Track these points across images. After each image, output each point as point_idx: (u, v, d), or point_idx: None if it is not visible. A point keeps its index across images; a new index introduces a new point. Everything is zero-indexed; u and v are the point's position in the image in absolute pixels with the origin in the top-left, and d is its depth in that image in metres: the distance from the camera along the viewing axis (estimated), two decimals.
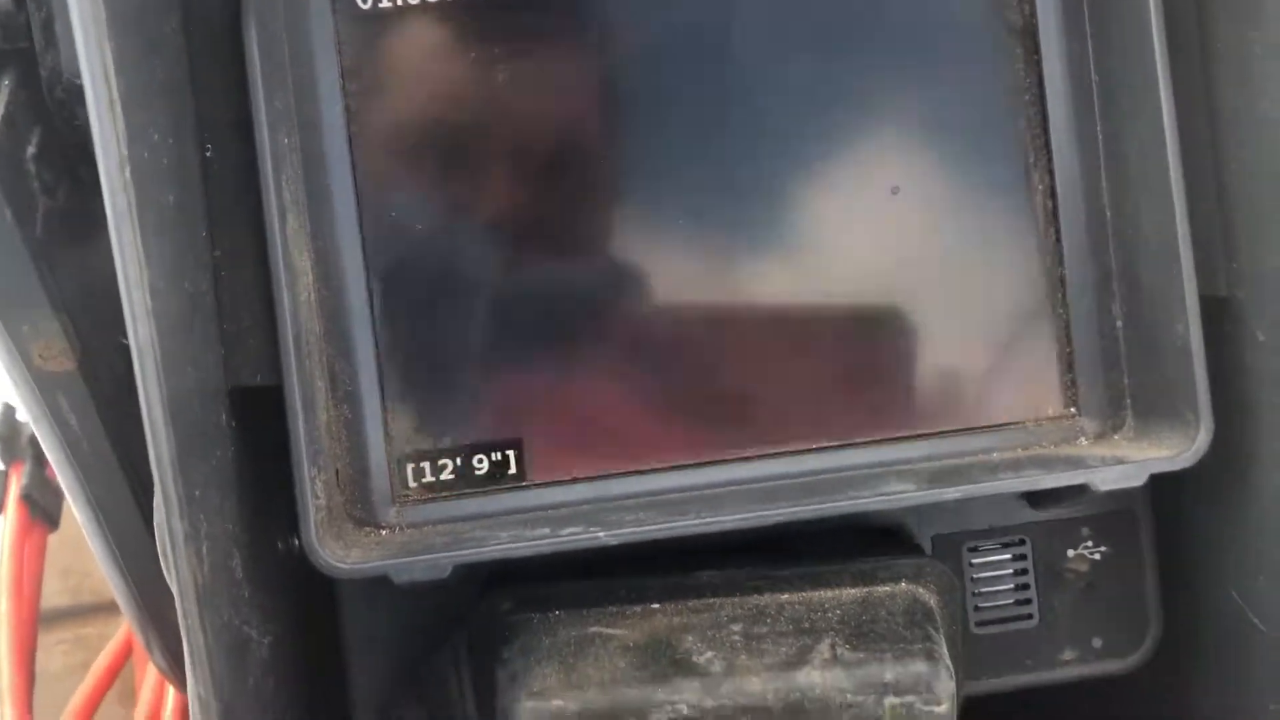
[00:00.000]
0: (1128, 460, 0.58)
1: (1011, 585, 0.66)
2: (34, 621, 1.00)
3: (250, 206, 0.57)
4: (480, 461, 0.62)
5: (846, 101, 0.63)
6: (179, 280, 0.51)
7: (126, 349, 0.68)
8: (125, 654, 0.98)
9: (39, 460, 1.04)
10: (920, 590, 0.58)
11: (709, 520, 0.56)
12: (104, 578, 0.77)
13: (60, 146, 0.62)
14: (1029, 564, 0.66)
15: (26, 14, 0.58)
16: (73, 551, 1.10)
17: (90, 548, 0.75)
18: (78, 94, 0.59)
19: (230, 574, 0.53)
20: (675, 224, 0.62)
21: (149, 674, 0.97)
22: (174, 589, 0.50)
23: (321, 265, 0.60)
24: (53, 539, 1.04)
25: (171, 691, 0.94)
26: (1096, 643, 0.67)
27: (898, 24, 0.63)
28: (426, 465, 0.62)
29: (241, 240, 0.57)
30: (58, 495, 1.04)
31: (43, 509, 1.03)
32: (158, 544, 0.55)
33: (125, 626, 0.97)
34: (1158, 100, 0.58)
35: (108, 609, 1.07)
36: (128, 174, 0.46)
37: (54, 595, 1.26)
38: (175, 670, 0.86)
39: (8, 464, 1.04)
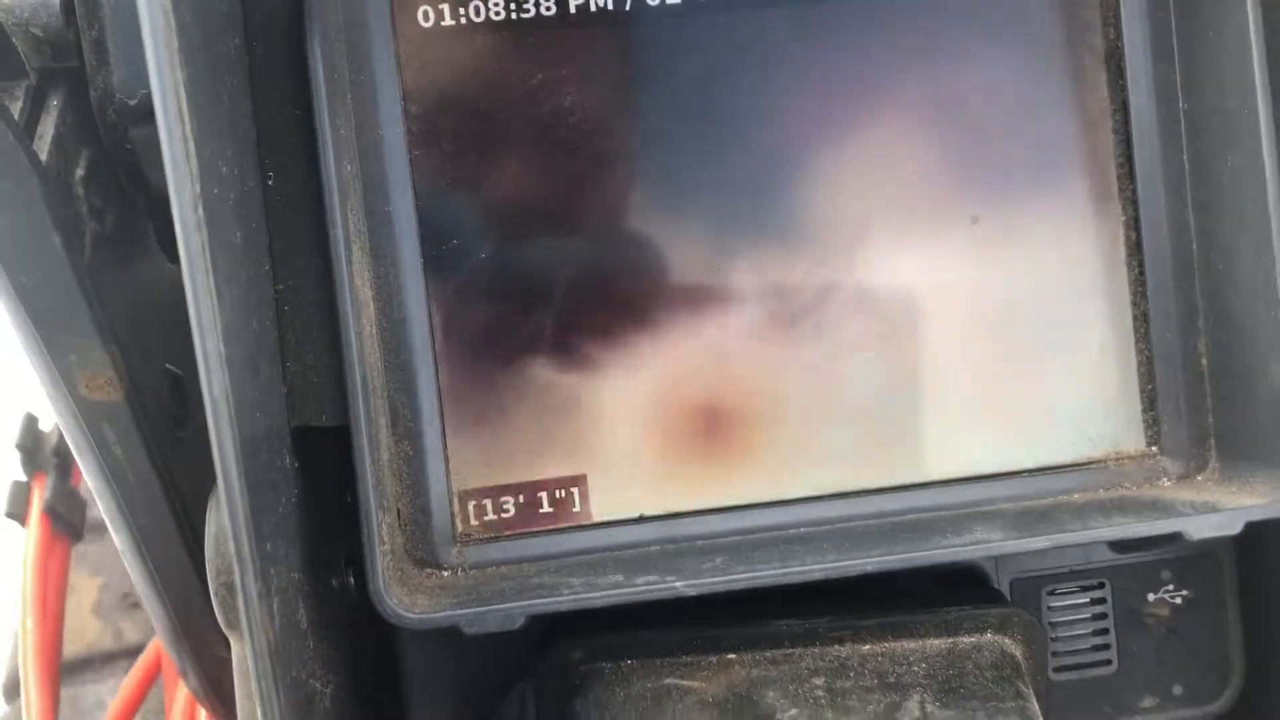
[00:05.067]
0: (1221, 507, 0.56)
1: (1090, 630, 0.65)
2: (59, 636, 0.98)
3: (311, 237, 0.55)
4: (544, 498, 0.60)
5: (925, 131, 0.60)
6: (247, 322, 0.49)
7: (172, 376, 0.66)
8: (154, 673, 0.96)
9: (62, 472, 1.02)
10: (1007, 641, 0.56)
11: (791, 570, 0.54)
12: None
13: (109, 169, 0.59)
14: (1108, 608, 0.64)
15: (77, 32, 0.56)
16: None
17: (129, 573, 0.73)
18: (130, 114, 0.57)
19: (297, 626, 0.51)
20: (752, 252, 0.60)
21: (179, 695, 0.95)
22: (245, 644, 0.47)
23: (383, 296, 0.57)
24: None
25: (203, 713, 0.91)
26: (1177, 690, 0.65)
27: (976, 49, 0.60)
28: (489, 502, 0.60)
29: (303, 273, 0.55)
30: (81, 507, 1.02)
31: (66, 521, 1.01)
32: (213, 596, 0.53)
33: (154, 645, 0.95)
34: (1256, 129, 0.56)
35: None
36: (201, 213, 0.43)
37: None
38: (209, 695, 0.84)
39: (30, 476, 1.02)
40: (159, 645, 0.90)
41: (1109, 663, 0.64)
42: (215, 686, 0.84)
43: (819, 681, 0.54)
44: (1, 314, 0.57)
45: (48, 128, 0.56)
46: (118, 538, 0.69)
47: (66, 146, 0.57)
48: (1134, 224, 0.61)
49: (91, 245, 0.58)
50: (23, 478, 1.02)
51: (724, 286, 0.60)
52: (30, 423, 1.01)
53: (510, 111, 0.59)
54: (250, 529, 0.44)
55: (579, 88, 0.59)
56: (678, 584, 0.53)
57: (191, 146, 0.43)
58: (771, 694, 0.53)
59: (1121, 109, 0.61)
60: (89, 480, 0.66)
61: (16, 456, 1.01)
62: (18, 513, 1.00)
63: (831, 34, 0.60)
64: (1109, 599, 0.64)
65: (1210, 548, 0.64)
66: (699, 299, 0.60)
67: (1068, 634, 0.64)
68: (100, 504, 0.67)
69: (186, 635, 0.77)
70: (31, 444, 1.01)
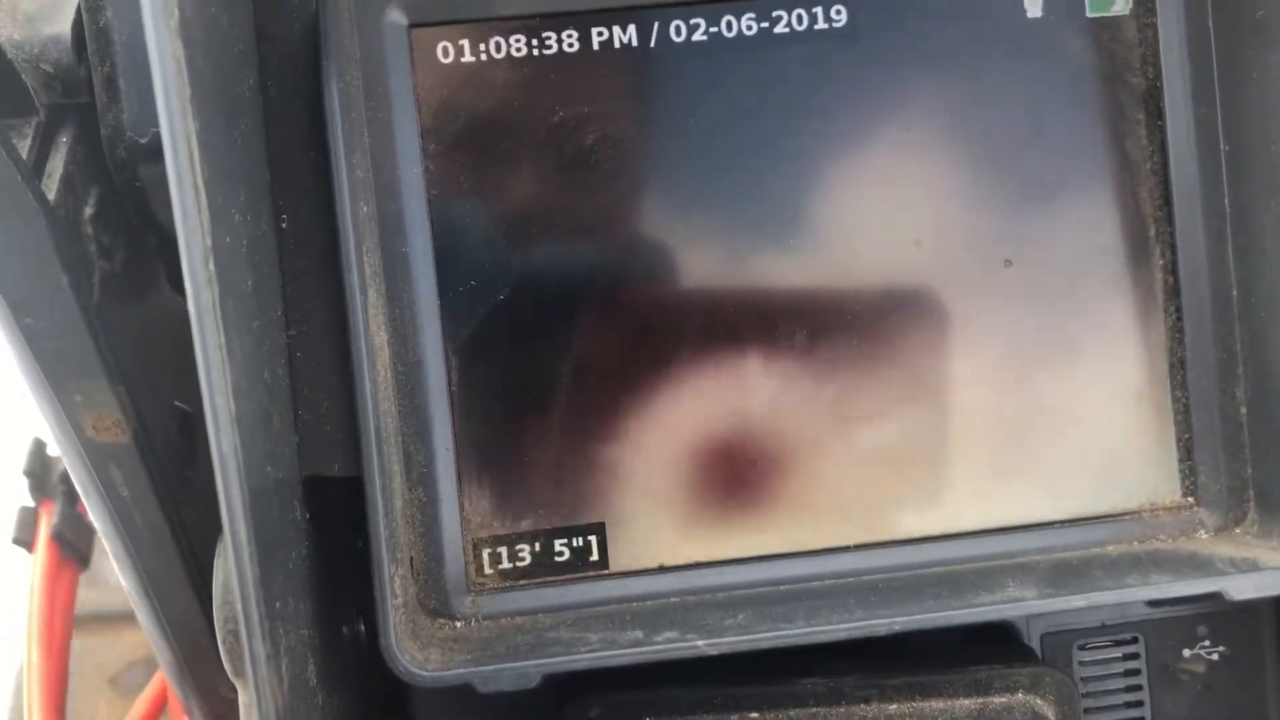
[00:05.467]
0: (1263, 565, 0.54)
1: (1123, 685, 0.63)
2: (65, 664, 0.97)
3: (326, 280, 0.53)
4: (561, 547, 0.58)
5: (958, 169, 0.58)
6: (259, 373, 0.47)
7: (180, 414, 0.65)
8: (160, 706, 0.94)
9: (70, 497, 1.00)
10: (1038, 702, 0.54)
11: (815, 630, 0.52)
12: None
13: (118, 206, 0.58)
14: (1142, 663, 0.62)
15: (87, 68, 0.54)
16: None
17: (135, 613, 0.72)
18: (141, 152, 0.55)
19: (306, 684, 0.49)
20: (777, 297, 0.58)
21: None
22: (255, 711, 0.46)
23: (398, 339, 0.56)
24: None
25: None
26: None
27: (1008, 87, 0.59)
28: (504, 550, 0.58)
29: (317, 318, 0.53)
30: (89, 534, 1.00)
31: (74, 548, 1.00)
32: (223, 651, 0.52)
33: (158, 679, 0.94)
34: None
35: None
36: (212, 267, 0.41)
37: None
38: None
39: (38, 502, 1.00)
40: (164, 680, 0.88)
41: None
42: None
43: None
44: (6, 351, 0.56)
45: (57, 165, 0.55)
46: (124, 578, 0.68)
47: (75, 184, 0.55)
48: (1171, 268, 0.59)
49: (100, 284, 0.57)
50: (30, 503, 1.01)
51: (747, 333, 0.58)
52: (38, 448, 0.99)
53: (531, 150, 0.57)
54: (259, 589, 0.43)
55: (601, 126, 0.57)
56: (699, 643, 0.52)
57: (203, 198, 0.41)
58: None
59: (1160, 150, 0.59)
60: (95, 522, 0.64)
61: (24, 482, 1.00)
62: (25, 539, 0.99)
63: (859, 72, 0.58)
64: (1143, 654, 0.62)
65: (1249, 603, 0.62)
66: (722, 346, 0.58)
67: (1099, 689, 0.62)
68: (107, 545, 0.66)
69: (193, 675, 0.76)
70: (39, 470, 0.99)
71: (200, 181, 0.41)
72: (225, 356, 0.42)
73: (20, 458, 1.01)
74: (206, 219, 0.41)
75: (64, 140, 0.55)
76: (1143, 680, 0.62)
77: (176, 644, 0.72)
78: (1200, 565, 0.55)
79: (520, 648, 0.53)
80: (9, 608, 1.01)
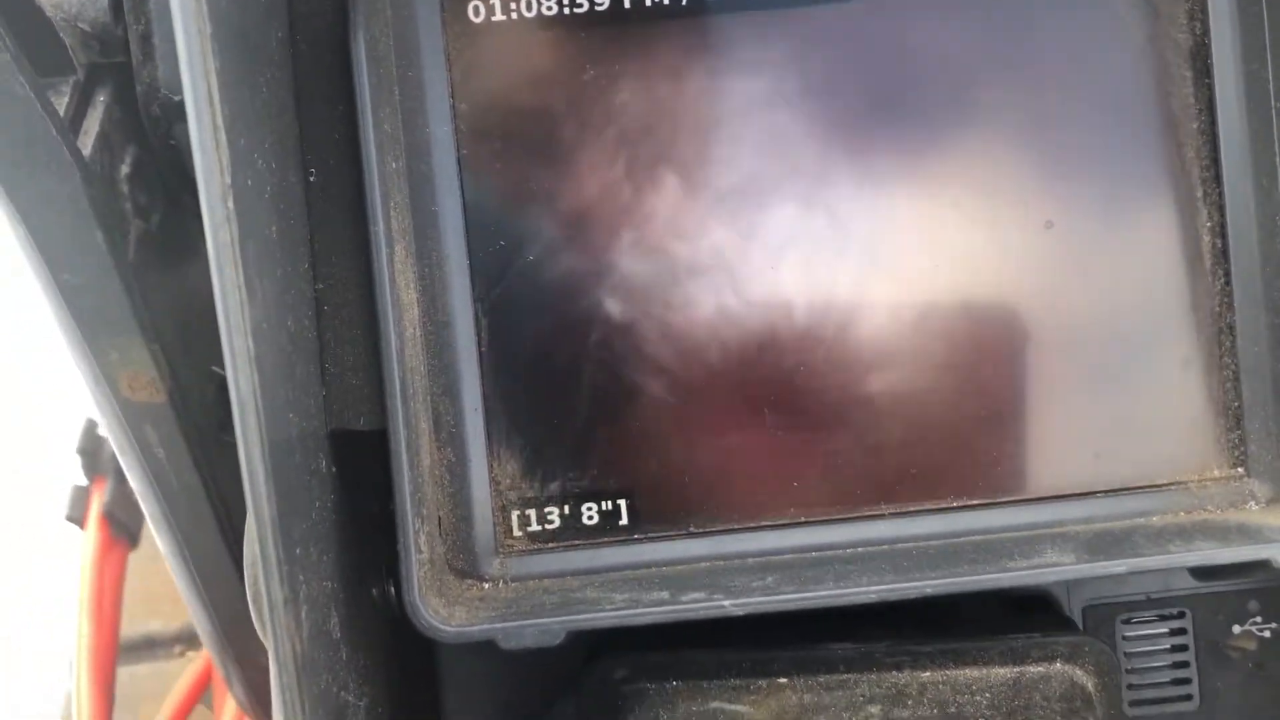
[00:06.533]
0: None
1: (1169, 662, 0.61)
2: (114, 641, 0.98)
3: (355, 236, 0.53)
4: (590, 510, 0.57)
5: (997, 129, 0.57)
6: (282, 319, 0.47)
7: (219, 378, 0.65)
8: (205, 682, 0.95)
9: (121, 477, 1.02)
10: (1078, 672, 0.52)
11: (845, 592, 0.51)
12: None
13: (155, 166, 0.58)
14: (1189, 639, 0.60)
15: (124, 27, 0.55)
16: None
17: (173, 577, 0.72)
18: (175, 110, 0.56)
19: (328, 636, 0.49)
20: (805, 255, 0.57)
21: (228, 704, 0.94)
22: (270, 653, 0.46)
23: (427, 298, 0.56)
24: None
25: None
26: None
27: (1053, 45, 0.57)
28: (532, 513, 0.57)
29: (345, 272, 0.53)
30: (139, 513, 1.02)
31: (124, 527, 1.01)
32: (250, 602, 0.52)
33: (205, 654, 0.94)
34: None
35: None
36: (230, 204, 0.42)
37: None
38: (254, 705, 0.83)
39: (90, 480, 1.02)
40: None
41: (1190, 698, 0.60)
42: (261, 697, 0.83)
43: (875, 710, 0.51)
44: (45, 308, 0.57)
45: (93, 123, 0.55)
46: (161, 541, 0.68)
47: (112, 143, 0.56)
48: (1220, 230, 0.57)
49: (136, 243, 0.57)
50: (83, 482, 1.02)
51: (780, 294, 0.57)
52: (91, 428, 1.01)
53: (562, 109, 0.57)
54: (277, 531, 0.43)
55: (633, 85, 0.57)
56: (725, 603, 0.51)
57: (223, 136, 0.41)
58: None
59: (1208, 108, 0.57)
60: (132, 481, 0.65)
61: (77, 461, 1.02)
62: (77, 516, 1.01)
63: (906, 24, 0.57)
64: (1190, 630, 0.60)
65: None
66: (753, 306, 0.57)
67: (1144, 665, 0.60)
68: (144, 505, 0.66)
69: (231, 643, 0.76)
70: (92, 449, 1.01)
71: (219, 120, 0.41)
72: (245, 297, 0.42)
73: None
74: (226, 157, 0.41)
75: (101, 99, 0.56)
76: (1190, 657, 0.60)
77: (214, 609, 0.73)
78: (1249, 534, 0.53)
79: (545, 606, 0.52)
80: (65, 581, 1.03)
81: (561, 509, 0.57)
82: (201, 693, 0.96)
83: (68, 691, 0.98)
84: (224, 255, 0.41)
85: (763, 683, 0.53)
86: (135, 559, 1.02)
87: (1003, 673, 0.52)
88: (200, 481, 0.64)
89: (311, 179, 0.53)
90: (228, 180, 0.41)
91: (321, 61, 0.54)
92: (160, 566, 0.71)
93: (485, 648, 0.52)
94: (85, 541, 0.99)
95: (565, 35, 0.57)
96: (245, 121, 0.45)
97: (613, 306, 0.57)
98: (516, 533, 0.57)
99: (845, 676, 0.52)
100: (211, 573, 0.70)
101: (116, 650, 0.97)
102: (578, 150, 0.57)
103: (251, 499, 0.42)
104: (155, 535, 0.68)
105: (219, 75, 0.41)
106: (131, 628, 1.10)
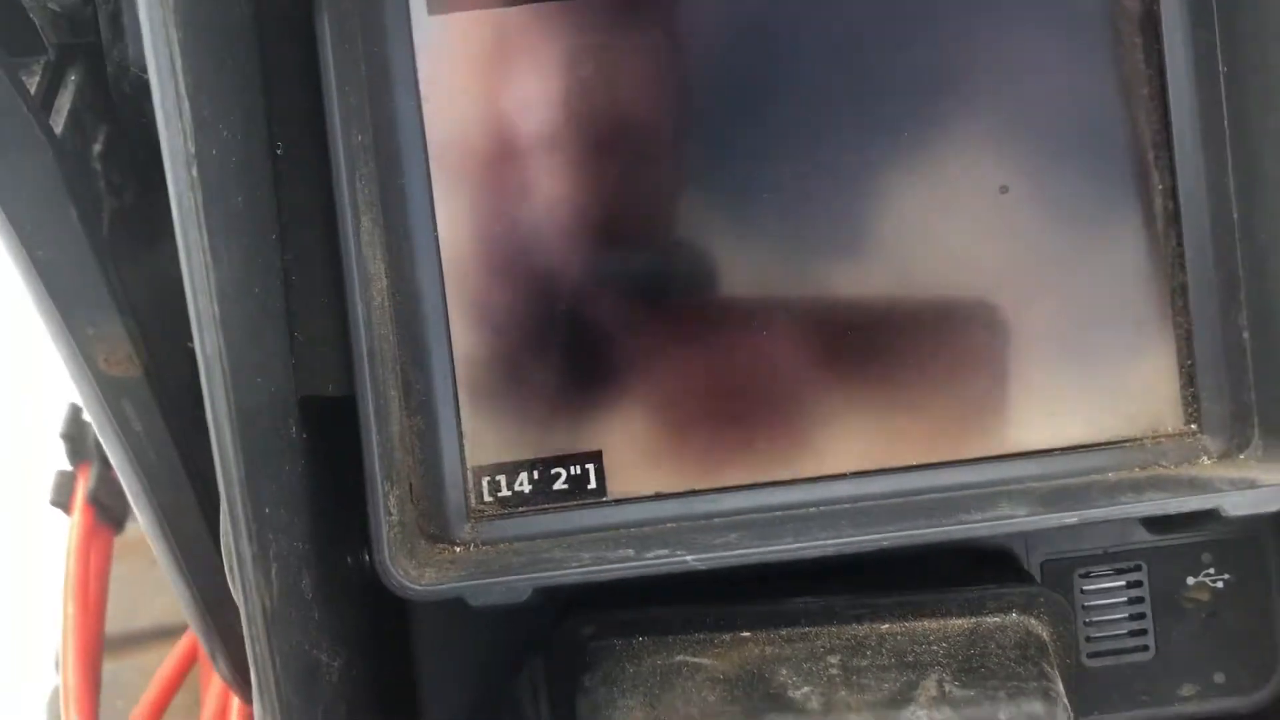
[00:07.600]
0: (1261, 484, 0.54)
1: (1126, 614, 0.62)
2: (100, 628, 0.99)
3: (322, 208, 0.54)
4: (558, 474, 0.59)
5: (951, 94, 0.58)
6: (248, 285, 0.48)
7: (194, 354, 0.67)
8: (189, 662, 0.96)
9: (106, 462, 1.02)
10: (1032, 622, 0.54)
11: (804, 545, 0.52)
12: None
13: (128, 144, 0.59)
14: (1145, 592, 0.62)
15: (94, 7, 0.56)
16: None
17: (154, 555, 0.73)
18: (146, 89, 0.56)
19: (300, 595, 0.50)
20: (764, 224, 0.59)
21: (213, 683, 0.95)
22: (241, 610, 0.47)
23: (395, 269, 0.57)
24: None
25: (236, 703, 0.92)
26: (1218, 678, 0.62)
27: (1006, 12, 0.58)
28: (502, 479, 0.59)
29: (313, 243, 0.55)
30: (124, 498, 1.02)
31: (110, 512, 1.02)
32: (225, 562, 0.53)
33: (189, 634, 0.95)
34: None
35: None
36: (194, 172, 0.43)
37: None
38: (240, 682, 0.84)
39: (75, 465, 1.03)
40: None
41: (1146, 649, 0.62)
42: (246, 674, 0.84)
43: (834, 660, 0.52)
44: (21, 285, 0.58)
45: (64, 103, 0.56)
46: (141, 516, 0.69)
47: (84, 122, 0.57)
48: (1171, 193, 0.59)
49: (110, 220, 0.58)
50: (68, 467, 1.03)
51: (742, 260, 0.58)
52: (75, 413, 1.02)
53: (533, 79, 0.58)
54: (244, 489, 0.44)
55: (608, 54, 0.58)
56: (688, 558, 0.52)
57: (186, 105, 0.43)
58: (784, 672, 0.52)
59: (1158, 74, 0.59)
60: (111, 457, 0.66)
61: (62, 445, 1.02)
62: (62, 501, 1.01)
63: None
64: (1145, 582, 0.62)
65: (1253, 530, 0.61)
66: (716, 273, 0.59)
67: (1102, 618, 0.62)
68: (123, 481, 0.67)
69: (214, 619, 0.77)
70: (76, 433, 1.02)
71: (182, 89, 0.42)
72: (209, 260, 0.43)
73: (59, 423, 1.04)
74: (190, 125, 0.43)
75: (72, 79, 0.57)
76: (1146, 609, 0.62)
77: (195, 585, 0.74)
78: (1199, 486, 0.54)
79: (512, 565, 0.54)
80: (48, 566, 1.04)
81: (531, 474, 0.59)
82: (186, 672, 0.97)
83: (55, 685, 1.00)
84: (187, 219, 0.42)
85: (726, 636, 0.54)
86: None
87: (960, 623, 0.54)
88: (179, 456, 0.65)
89: (279, 152, 0.54)
90: (191, 148, 0.43)
91: (288, 40, 0.55)
92: None
93: (458, 610, 0.53)
94: (71, 526, 1.00)
95: (529, 14, 0.58)
96: (210, 93, 0.46)
97: (580, 275, 0.59)
98: (487, 498, 0.59)
99: (806, 629, 0.54)
100: (193, 549, 0.71)
101: (102, 636, 0.98)
102: (550, 121, 0.58)
103: (219, 457, 0.43)
104: (135, 511, 0.69)
105: (181, 45, 0.42)
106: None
